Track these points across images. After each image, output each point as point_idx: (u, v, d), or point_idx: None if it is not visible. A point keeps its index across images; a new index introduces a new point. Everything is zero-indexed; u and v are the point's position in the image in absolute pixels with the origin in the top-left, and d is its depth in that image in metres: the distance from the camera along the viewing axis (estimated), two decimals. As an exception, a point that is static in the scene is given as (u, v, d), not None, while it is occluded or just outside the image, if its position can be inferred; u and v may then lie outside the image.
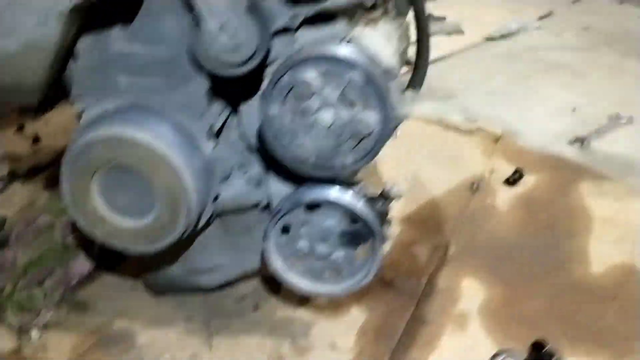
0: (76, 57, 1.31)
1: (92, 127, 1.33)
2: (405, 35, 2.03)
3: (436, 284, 1.80)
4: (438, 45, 3.63)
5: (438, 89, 3.08)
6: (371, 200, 1.42)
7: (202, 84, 1.33)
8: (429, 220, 2.10)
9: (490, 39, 3.71)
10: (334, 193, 1.37)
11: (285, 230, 1.43)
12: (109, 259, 1.81)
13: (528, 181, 2.27)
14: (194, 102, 1.35)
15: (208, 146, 1.41)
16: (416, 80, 2.13)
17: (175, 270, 1.68)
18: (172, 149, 1.32)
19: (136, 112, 1.36)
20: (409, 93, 2.13)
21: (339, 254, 1.42)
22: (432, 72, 3.28)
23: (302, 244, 1.41)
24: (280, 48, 1.30)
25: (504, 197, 2.20)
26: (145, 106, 1.36)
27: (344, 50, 1.20)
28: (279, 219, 1.39)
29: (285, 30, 1.28)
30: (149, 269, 1.71)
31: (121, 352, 1.58)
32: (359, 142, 1.25)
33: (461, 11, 4.17)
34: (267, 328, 1.63)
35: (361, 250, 1.45)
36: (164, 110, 1.36)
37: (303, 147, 1.26)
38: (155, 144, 1.30)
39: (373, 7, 1.51)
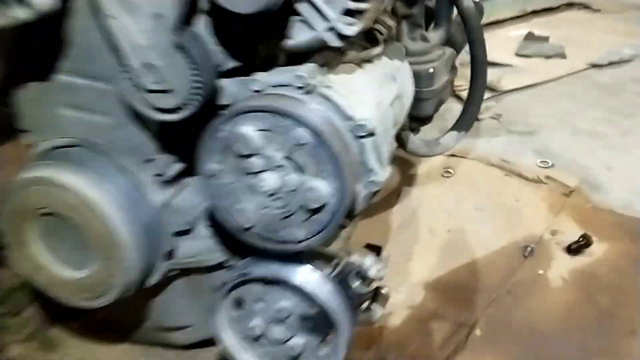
0: (19, 87, 1.20)
1: (30, 166, 1.22)
2: (447, 67, 1.77)
3: (446, 374, 1.52)
4: (532, 69, 3.28)
5: (516, 122, 2.74)
6: (343, 281, 1.19)
7: (148, 126, 1.16)
8: (461, 288, 1.82)
9: (596, 65, 3.28)
10: (289, 269, 1.16)
11: (239, 303, 1.23)
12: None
13: (596, 251, 1.92)
14: (140, 146, 1.20)
15: (158, 195, 1.25)
16: (464, 121, 1.85)
17: (145, 324, 1.54)
18: (107, 197, 1.18)
19: (78, 152, 1.23)
20: (454, 134, 1.87)
21: (298, 340, 1.20)
22: (514, 101, 2.95)
23: (256, 322, 1.21)
24: (236, 90, 1.10)
25: (562, 268, 1.87)
26: (92, 146, 1.22)
27: (289, 103, 0.99)
28: (227, 291, 1.20)
29: (241, 70, 1.09)
30: (115, 321, 1.58)
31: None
32: (311, 214, 1.03)
33: (569, 31, 3.74)
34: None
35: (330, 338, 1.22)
36: (110, 152, 1.21)
37: (245, 213, 1.07)
38: (88, 191, 1.17)
39: (373, 42, 1.27)
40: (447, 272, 1.87)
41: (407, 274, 1.86)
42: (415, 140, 1.74)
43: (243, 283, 1.20)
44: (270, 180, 1.03)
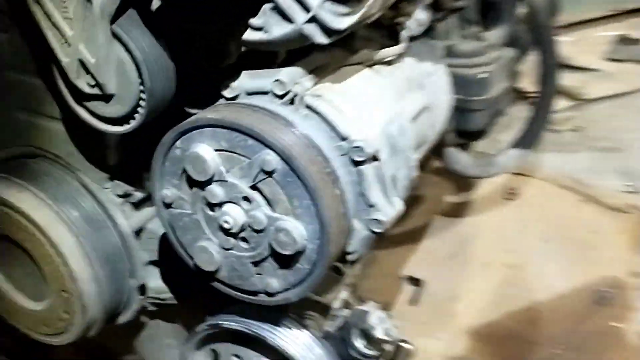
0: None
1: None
2: (506, 72, 1.47)
3: None
4: (623, 76, 2.87)
5: (599, 137, 2.37)
6: (343, 341, 0.95)
7: (108, 137, 0.96)
8: (516, 339, 1.53)
9: (702, 73, 2.83)
10: (268, 324, 0.92)
11: (215, 355, 1.01)
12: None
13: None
14: (101, 161, 0.99)
15: (129, 219, 1.04)
16: (526, 137, 1.54)
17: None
18: (58, 221, 0.99)
19: (36, 165, 1.05)
20: (514, 152, 1.57)
21: (282, 410, 0.96)
22: (599, 112, 2.57)
23: (235, 382, 0.99)
24: (206, 97, 0.88)
25: (645, 322, 1.52)
26: (52, 158, 1.03)
27: (254, 117, 0.75)
28: (197, 342, 0.98)
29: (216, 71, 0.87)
30: (106, 348, 1.40)
31: None
32: (286, 262, 0.79)
33: (673, 32, 3.27)
34: None
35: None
36: (72, 165, 1.02)
37: (207, 254, 0.83)
38: (34, 212, 0.98)
39: (395, 39, 1.01)
40: (501, 318, 1.58)
41: (450, 316, 1.59)
42: (461, 159, 1.45)
43: (216, 336, 0.98)
44: (233, 215, 0.80)
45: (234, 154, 0.77)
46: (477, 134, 1.47)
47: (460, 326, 1.55)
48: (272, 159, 0.75)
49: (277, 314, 0.94)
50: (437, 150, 1.50)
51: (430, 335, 1.53)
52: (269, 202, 0.78)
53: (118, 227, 1.04)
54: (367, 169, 0.82)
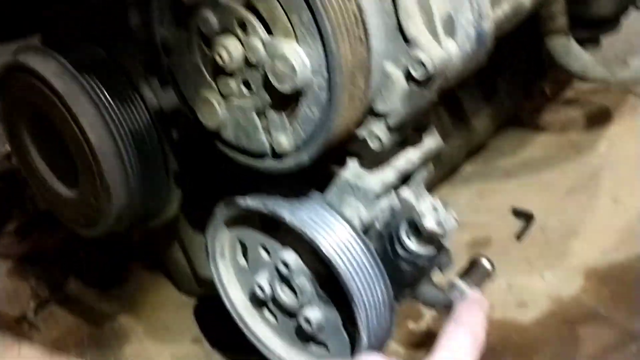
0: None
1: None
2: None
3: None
4: None
5: None
6: (391, 237, 0.78)
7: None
8: (645, 284, 1.23)
9: None
10: (295, 205, 0.76)
11: (244, 248, 0.88)
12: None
13: None
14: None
15: (157, 96, 0.94)
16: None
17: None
18: (78, 89, 0.90)
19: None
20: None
21: (312, 313, 0.81)
22: None
23: (262, 279, 0.85)
24: None
25: None
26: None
27: None
28: (218, 226, 0.85)
29: None
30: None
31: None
32: (292, 106, 0.64)
33: None
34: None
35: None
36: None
37: (209, 105, 0.70)
38: (55, 79, 0.91)
39: None
40: (627, 259, 1.28)
41: (563, 254, 1.32)
42: (579, 55, 1.18)
43: (238, 219, 0.84)
44: (227, 45, 0.64)
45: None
46: (602, 24, 1.19)
47: (573, 265, 1.28)
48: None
49: (304, 194, 0.78)
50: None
51: (535, 274, 1.28)
52: (266, 25, 0.62)
53: (146, 103, 0.94)
54: (402, -12, 0.63)
